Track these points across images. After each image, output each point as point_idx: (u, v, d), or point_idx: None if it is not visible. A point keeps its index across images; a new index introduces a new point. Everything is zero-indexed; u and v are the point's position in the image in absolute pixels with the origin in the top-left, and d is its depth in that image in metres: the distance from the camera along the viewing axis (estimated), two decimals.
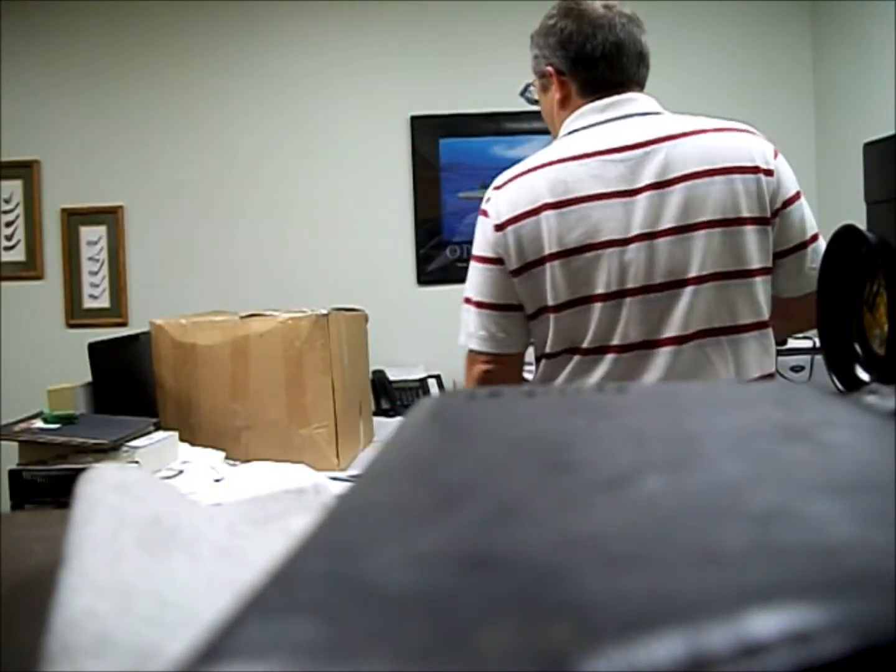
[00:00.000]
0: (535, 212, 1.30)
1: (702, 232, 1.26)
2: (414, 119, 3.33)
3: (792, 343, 2.77)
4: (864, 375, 1.66)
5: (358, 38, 3.33)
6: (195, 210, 3.33)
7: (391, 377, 3.02)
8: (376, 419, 2.14)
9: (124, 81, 3.31)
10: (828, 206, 3.22)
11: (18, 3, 3.26)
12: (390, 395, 2.95)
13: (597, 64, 1.35)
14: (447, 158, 3.35)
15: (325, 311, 1.66)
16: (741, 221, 1.28)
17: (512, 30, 3.31)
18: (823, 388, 0.40)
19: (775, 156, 1.34)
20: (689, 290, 1.27)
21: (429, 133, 3.34)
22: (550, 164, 1.32)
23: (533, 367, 1.42)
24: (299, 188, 3.34)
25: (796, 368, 2.67)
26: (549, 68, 1.40)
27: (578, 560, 0.20)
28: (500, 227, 1.34)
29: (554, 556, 0.21)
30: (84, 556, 0.34)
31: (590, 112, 1.36)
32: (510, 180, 1.36)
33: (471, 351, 1.40)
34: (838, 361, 1.71)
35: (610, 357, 1.30)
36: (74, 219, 3.33)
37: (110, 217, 3.33)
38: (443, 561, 0.21)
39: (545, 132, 3.62)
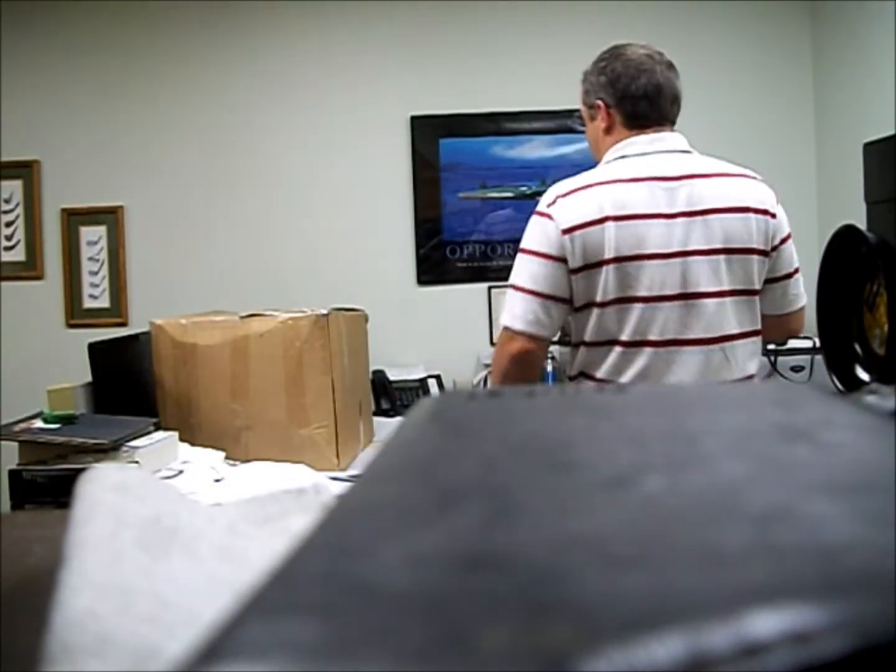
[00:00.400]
0: (599, 221, 1.54)
1: (722, 256, 1.56)
2: (414, 119, 3.33)
3: (792, 343, 2.77)
4: (864, 375, 1.66)
5: (358, 39, 3.33)
6: (195, 210, 3.33)
7: (391, 377, 3.02)
8: (376, 419, 2.14)
9: (124, 81, 3.31)
10: (828, 206, 3.22)
11: (18, 3, 3.26)
12: (390, 395, 2.95)
13: (639, 101, 1.63)
14: (447, 158, 3.35)
15: (325, 311, 1.66)
16: (751, 251, 1.58)
17: (512, 30, 3.32)
18: (823, 388, 0.40)
19: (777, 201, 1.65)
20: (713, 301, 1.56)
21: (429, 133, 3.34)
22: (611, 182, 1.58)
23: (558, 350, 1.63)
24: (299, 188, 3.34)
25: (796, 368, 2.67)
26: (599, 101, 1.67)
27: (578, 560, 0.20)
28: (567, 231, 1.56)
29: (554, 556, 0.21)
30: (84, 556, 0.34)
31: (639, 143, 1.62)
32: (574, 191, 1.59)
33: (514, 331, 1.59)
34: (838, 361, 1.71)
35: (648, 350, 1.55)
36: (74, 219, 3.33)
37: (110, 217, 3.33)
38: (443, 561, 0.21)
39: (544, 132, 3.60)
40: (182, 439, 1.54)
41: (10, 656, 0.37)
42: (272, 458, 1.45)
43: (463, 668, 0.16)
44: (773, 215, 1.61)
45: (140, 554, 0.36)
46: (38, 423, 1.47)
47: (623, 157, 1.61)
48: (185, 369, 1.67)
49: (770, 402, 0.37)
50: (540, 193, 3.49)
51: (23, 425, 1.47)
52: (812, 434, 0.31)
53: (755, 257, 1.58)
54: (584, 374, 1.62)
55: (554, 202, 1.59)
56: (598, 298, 1.55)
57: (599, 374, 1.58)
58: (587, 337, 1.58)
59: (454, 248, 3.36)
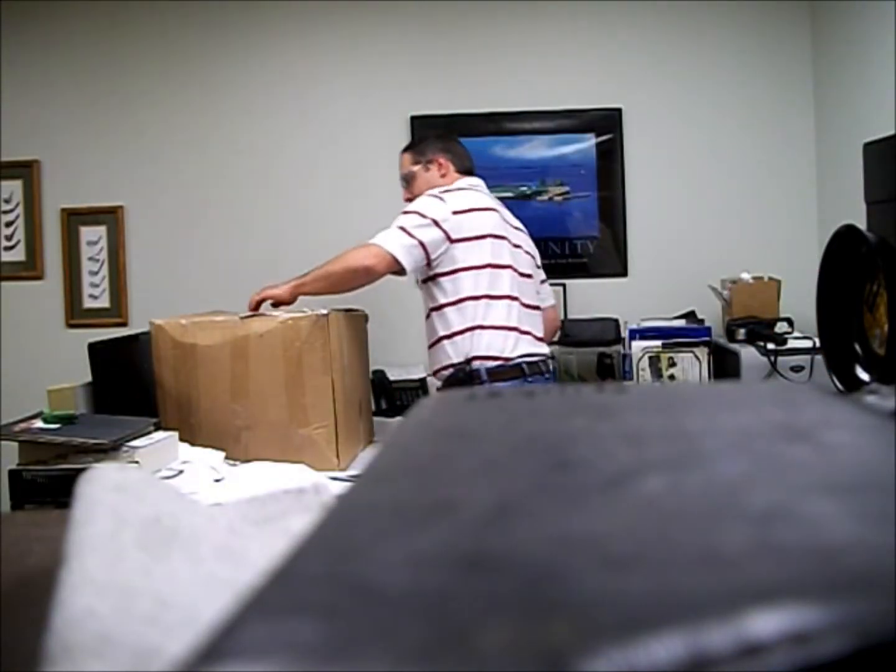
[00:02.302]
0: (480, 210, 2.24)
1: (529, 257, 2.38)
2: (414, 119, 3.33)
3: (792, 343, 2.77)
4: (864, 375, 1.66)
5: (358, 38, 3.33)
6: (195, 210, 3.33)
7: (391, 377, 3.02)
8: (376, 419, 2.14)
9: (124, 81, 3.31)
10: (828, 206, 3.22)
11: (18, 3, 3.26)
12: (390, 395, 2.95)
13: (465, 160, 2.46)
14: None
15: (325, 311, 1.66)
16: (532, 256, 2.41)
17: (512, 31, 3.32)
18: (823, 388, 0.40)
19: None
20: (528, 280, 2.33)
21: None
22: (471, 189, 2.33)
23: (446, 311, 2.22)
24: (299, 188, 3.33)
25: (796, 368, 2.67)
26: (438, 157, 2.42)
27: (578, 560, 0.20)
28: (456, 213, 2.18)
29: (553, 555, 0.21)
30: (84, 556, 0.34)
31: (471, 181, 2.37)
32: (454, 190, 2.27)
33: (389, 253, 2.10)
34: (838, 361, 1.71)
35: (514, 304, 2.24)
36: (74, 219, 3.33)
37: (110, 217, 3.33)
38: (442, 561, 0.21)
39: (544, 132, 3.60)
40: (182, 439, 1.54)
41: (10, 656, 0.37)
42: (272, 458, 1.45)
43: (463, 668, 0.16)
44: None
45: (140, 554, 0.36)
46: (38, 423, 1.47)
47: (464, 189, 2.29)
48: (185, 369, 1.67)
49: (770, 402, 0.37)
50: (539, 193, 3.45)
51: (23, 425, 1.47)
52: (812, 434, 0.31)
53: (533, 261, 2.40)
54: (481, 326, 2.19)
55: (443, 195, 2.21)
56: (479, 263, 2.16)
57: (487, 322, 2.17)
58: (467, 293, 2.17)
59: None
